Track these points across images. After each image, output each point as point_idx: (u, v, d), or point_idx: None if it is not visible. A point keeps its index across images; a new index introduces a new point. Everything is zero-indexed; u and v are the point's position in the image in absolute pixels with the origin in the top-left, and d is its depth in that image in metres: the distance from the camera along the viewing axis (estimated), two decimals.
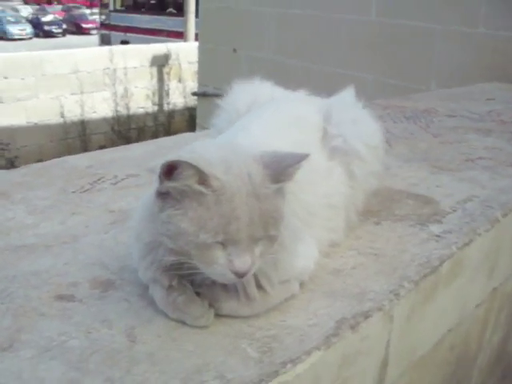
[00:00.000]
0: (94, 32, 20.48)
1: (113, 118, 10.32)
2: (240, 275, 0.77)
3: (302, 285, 0.96)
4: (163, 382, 0.72)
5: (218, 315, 0.86)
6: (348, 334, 0.87)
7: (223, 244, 0.77)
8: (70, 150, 9.29)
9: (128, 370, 0.74)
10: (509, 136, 2.17)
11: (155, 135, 9.68)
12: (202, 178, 0.75)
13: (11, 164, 7.68)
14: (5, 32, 20.79)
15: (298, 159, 0.80)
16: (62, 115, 9.88)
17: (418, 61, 4.24)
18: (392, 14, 4.37)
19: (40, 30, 22.44)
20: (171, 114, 10.90)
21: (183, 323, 0.84)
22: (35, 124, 9.61)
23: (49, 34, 22.53)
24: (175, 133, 9.97)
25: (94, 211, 1.26)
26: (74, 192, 1.37)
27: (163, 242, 0.79)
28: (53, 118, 9.78)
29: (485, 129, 2.28)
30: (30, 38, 21.50)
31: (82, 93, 10.03)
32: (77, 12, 25.51)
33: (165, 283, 0.85)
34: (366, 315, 0.92)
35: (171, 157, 0.75)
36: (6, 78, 9.24)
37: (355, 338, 0.89)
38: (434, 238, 1.20)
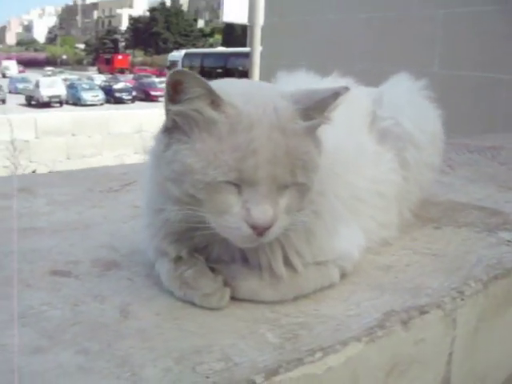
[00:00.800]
0: (162, 99, 21.39)
1: None
2: (259, 230, 0.61)
3: (342, 275, 0.79)
4: (149, 359, 0.57)
5: (235, 299, 0.70)
6: (397, 329, 0.69)
7: (238, 187, 0.62)
8: None
9: (109, 343, 0.59)
10: None
11: None
12: (214, 100, 0.62)
13: None
14: (79, 98, 22.07)
15: (335, 92, 0.65)
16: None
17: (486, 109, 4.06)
18: (454, 66, 4.25)
19: (111, 97, 23.69)
20: None
21: (191, 304, 0.69)
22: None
23: (119, 101, 23.73)
24: None
25: (118, 206, 1.14)
26: (101, 191, 1.26)
27: (168, 190, 0.65)
28: None
29: None
30: (102, 104, 22.71)
31: (145, 152, 10.32)
32: (146, 80, 26.90)
33: (172, 254, 0.71)
34: (422, 310, 0.73)
35: (177, 70, 0.62)
36: (73, 135, 9.68)
37: (407, 337, 0.70)
38: (504, 243, 1.01)
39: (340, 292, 0.77)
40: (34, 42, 56.39)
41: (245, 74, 13.95)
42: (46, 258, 0.82)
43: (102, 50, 42.81)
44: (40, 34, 60.07)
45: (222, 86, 0.66)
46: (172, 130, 0.65)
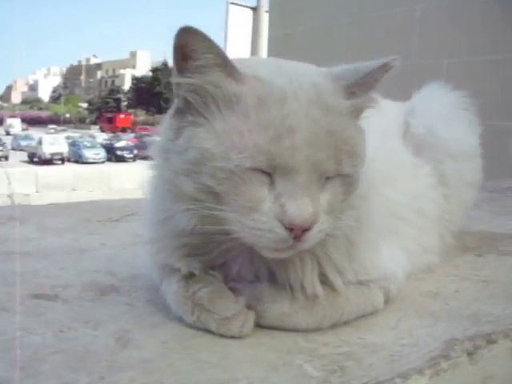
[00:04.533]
0: None
1: None
2: (297, 232, 0.48)
3: (387, 299, 0.65)
4: None
5: (259, 326, 0.57)
6: (464, 360, 0.55)
7: (270, 176, 0.49)
8: None
9: (102, 376, 0.45)
10: None
11: None
12: (232, 70, 0.50)
13: None
14: (80, 156, 22.19)
15: (384, 63, 0.54)
16: None
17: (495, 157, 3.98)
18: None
19: (112, 155, 23.82)
20: None
21: (206, 331, 0.55)
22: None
23: (120, 159, 23.84)
24: None
25: (117, 234, 1.02)
26: (99, 221, 1.14)
27: (180, 187, 0.52)
28: None
29: None
30: (103, 162, 22.82)
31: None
32: (148, 139, 27.18)
33: (183, 270, 0.57)
34: (489, 339, 0.59)
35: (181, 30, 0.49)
36: (74, 189, 9.59)
37: (475, 370, 0.56)
38: None
39: (385, 319, 0.63)
40: (38, 100, 57.38)
41: None
42: (30, 281, 0.69)
43: (105, 109, 43.48)
44: (44, 93, 61.19)
45: (245, 60, 0.55)
46: (184, 111, 0.52)
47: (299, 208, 0.47)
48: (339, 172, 0.51)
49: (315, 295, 0.56)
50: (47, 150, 20.77)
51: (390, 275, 0.65)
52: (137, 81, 45.47)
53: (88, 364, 0.47)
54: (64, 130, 33.99)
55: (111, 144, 25.84)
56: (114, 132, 34.25)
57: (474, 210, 1.54)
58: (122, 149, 25.25)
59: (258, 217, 0.48)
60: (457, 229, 0.92)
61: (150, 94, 43.27)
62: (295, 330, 0.56)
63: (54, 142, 21.67)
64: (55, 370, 0.46)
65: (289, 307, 0.56)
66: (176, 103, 0.53)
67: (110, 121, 38.98)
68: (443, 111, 0.90)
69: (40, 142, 21.00)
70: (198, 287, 0.56)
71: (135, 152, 25.18)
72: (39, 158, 20.57)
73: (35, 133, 26.75)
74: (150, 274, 0.65)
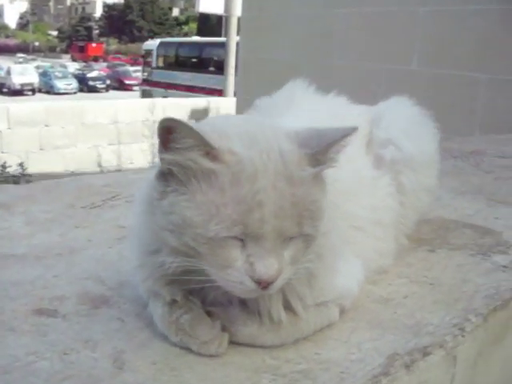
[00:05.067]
0: (136, 88, 21.14)
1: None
2: (263, 284, 0.58)
3: (342, 312, 0.76)
4: None
5: (233, 343, 0.67)
6: (402, 375, 0.66)
7: (242, 240, 0.58)
8: None
9: None
10: None
11: None
12: (209, 149, 0.58)
13: None
14: (52, 86, 21.62)
15: (344, 133, 0.62)
16: (99, 164, 9.97)
17: (462, 110, 4.08)
18: (433, 64, 4.26)
19: (85, 85, 23.27)
20: None
21: (188, 350, 0.65)
22: (72, 172, 9.72)
23: (93, 89, 23.33)
24: None
25: (101, 226, 1.10)
26: (83, 207, 1.21)
27: (165, 239, 0.61)
28: (89, 167, 9.88)
29: None
30: (75, 93, 22.29)
31: (119, 143, 10.17)
32: (121, 69, 26.48)
33: (167, 298, 0.67)
34: (425, 352, 0.71)
35: (167, 119, 0.58)
36: (46, 125, 9.46)
37: (410, 380, 0.68)
38: (500, 269, 0.99)
39: (340, 331, 0.74)
40: (4, 27, 54.98)
41: (220, 63, 13.86)
42: (30, 293, 0.78)
43: (76, 38, 41.95)
44: (11, 20, 58.53)
45: (220, 126, 0.62)
46: (167, 178, 0.60)
47: (266, 267, 0.57)
48: (301, 233, 0.59)
49: (280, 320, 0.66)
50: (17, 80, 20.15)
51: (345, 292, 0.75)
52: (108, 8, 43.60)
53: None
54: (34, 60, 32.76)
55: (83, 74, 25.12)
56: (85, 61, 33.19)
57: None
58: (94, 79, 24.61)
59: (232, 272, 0.58)
60: (411, 231, 1.03)
61: (123, 22, 41.66)
62: (263, 347, 0.67)
63: (23, 72, 20.98)
64: None
65: (257, 330, 0.67)
66: (160, 167, 0.61)
67: (82, 50, 37.67)
68: (405, 125, 0.98)
69: (9, 72, 20.32)
70: (180, 313, 0.66)
71: (107, 82, 24.61)
72: (8, 88, 19.97)
73: (3, 62, 25.78)
74: (138, 291, 0.73)
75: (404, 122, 0.99)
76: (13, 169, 7.25)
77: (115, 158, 10.18)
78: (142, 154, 10.37)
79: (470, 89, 4.10)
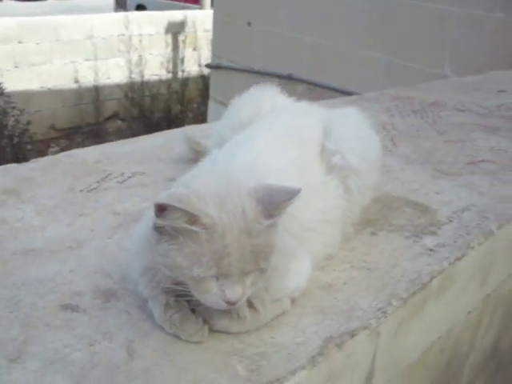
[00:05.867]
0: None
1: (126, 85, 10.27)
2: (231, 304, 0.83)
3: (292, 301, 1.01)
4: None
5: (211, 330, 0.92)
6: (334, 353, 0.92)
7: (216, 277, 0.82)
8: (82, 116, 9.36)
9: None
10: None
11: (168, 103, 9.70)
12: (192, 217, 0.79)
13: (24, 132, 7.72)
14: None
15: (290, 195, 0.84)
16: (76, 81, 9.86)
17: (433, 44, 4.20)
18: None
19: None
20: (185, 82, 10.83)
21: (179, 338, 0.90)
22: (49, 89, 9.63)
23: None
24: (189, 101, 9.89)
25: (100, 213, 1.31)
26: (81, 191, 1.41)
27: (161, 269, 0.85)
28: (66, 84, 9.77)
29: (492, 126, 2.28)
30: None
31: (96, 59, 10.01)
32: None
33: (162, 301, 0.91)
34: (353, 334, 0.96)
35: (160, 197, 0.79)
36: (20, 42, 9.23)
37: (341, 355, 0.94)
38: (426, 253, 1.24)
39: (291, 317, 0.99)
40: None
41: None
42: (53, 289, 1.00)
43: None
44: None
45: (198, 188, 0.83)
46: (161, 230, 0.82)
47: (233, 293, 0.82)
48: (258, 268, 0.83)
49: (245, 316, 0.91)
50: None
51: (296, 288, 1.00)
52: None
53: (114, 376, 0.81)
54: None
55: None
56: None
57: (390, 154, 1.87)
58: None
59: (210, 296, 0.83)
60: (356, 220, 1.26)
61: None
62: (232, 334, 0.92)
63: None
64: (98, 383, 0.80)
65: (229, 322, 0.92)
66: (154, 222, 0.82)
67: None
68: (352, 138, 1.19)
69: None
70: (172, 312, 0.90)
71: None
72: None
73: None
74: (140, 290, 0.96)
75: (351, 136, 1.19)
76: None
77: (92, 73, 10.05)
78: (119, 69, 10.25)
79: (442, 23, 4.20)
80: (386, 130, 2.12)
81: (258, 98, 1.32)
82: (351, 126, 1.23)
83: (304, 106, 1.33)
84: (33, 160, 1.59)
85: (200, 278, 0.81)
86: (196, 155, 1.64)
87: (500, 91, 2.97)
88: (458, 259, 1.24)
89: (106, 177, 1.51)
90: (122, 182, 1.49)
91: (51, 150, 8.08)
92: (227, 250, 0.80)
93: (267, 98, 1.33)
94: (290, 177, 1.04)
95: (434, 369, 1.45)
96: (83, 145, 7.75)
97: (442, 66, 4.16)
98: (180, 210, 0.78)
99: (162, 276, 0.87)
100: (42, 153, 7.42)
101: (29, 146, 7.70)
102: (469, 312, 1.48)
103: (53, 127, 9.25)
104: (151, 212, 0.89)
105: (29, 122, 8.84)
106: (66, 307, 0.96)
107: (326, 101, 2.50)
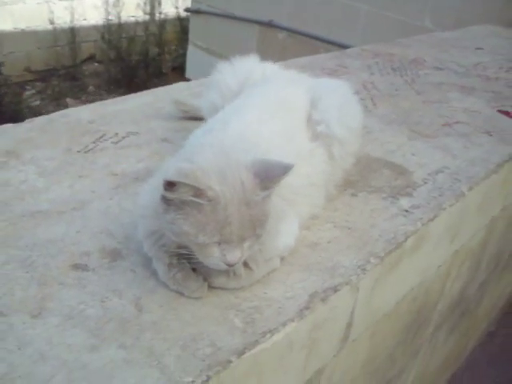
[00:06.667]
0: None
1: (103, 27, 9.98)
2: (231, 265, 0.93)
3: (282, 260, 1.12)
4: (166, 348, 0.89)
5: (210, 287, 1.02)
6: (319, 306, 1.04)
7: (218, 243, 0.92)
8: (58, 58, 9.12)
9: (137, 337, 0.91)
10: (490, 96, 2.28)
11: (146, 45, 9.49)
12: (198, 191, 0.88)
13: None
14: None
15: (284, 170, 0.93)
16: (51, 21, 9.56)
17: None
18: None
19: None
20: (163, 24, 10.56)
21: (182, 294, 1.01)
22: (22, 30, 9.33)
23: None
24: (166, 44, 9.69)
25: (98, 174, 1.38)
26: (78, 152, 1.48)
27: (168, 234, 0.94)
28: (41, 25, 9.46)
29: (468, 86, 2.38)
30: None
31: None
32: None
33: (166, 261, 1.01)
34: (336, 289, 1.08)
35: (171, 174, 0.87)
36: None
37: (325, 308, 1.06)
38: (402, 213, 1.36)
39: (280, 274, 1.10)
40: None
41: None
42: (63, 249, 1.09)
43: None
44: None
45: (201, 163, 0.91)
46: (169, 201, 0.91)
47: (233, 255, 0.92)
48: (255, 234, 0.92)
49: (240, 274, 1.02)
50: None
51: (285, 247, 1.11)
52: None
53: (127, 329, 0.91)
54: None
55: None
56: None
57: (370, 114, 1.96)
58: None
59: (212, 259, 0.93)
60: (339, 183, 1.36)
61: None
62: (229, 290, 1.03)
63: None
64: (113, 336, 0.89)
65: (226, 279, 1.02)
66: (162, 195, 0.90)
67: None
68: (337, 109, 1.28)
69: None
70: (176, 271, 1.00)
71: None
72: None
73: None
74: (144, 250, 1.06)
75: (336, 107, 1.28)
76: None
77: (68, 14, 9.74)
78: (96, 10, 9.94)
79: None
80: (367, 90, 2.20)
81: (248, 66, 1.38)
82: (337, 99, 1.31)
83: (293, 75, 1.40)
84: (28, 120, 1.63)
85: (204, 244, 0.91)
86: (185, 114, 1.72)
87: (477, 48, 3.05)
88: (431, 220, 1.36)
89: (101, 137, 1.57)
90: (117, 142, 1.55)
91: (27, 92, 7.92)
92: (229, 219, 0.89)
93: (257, 66, 1.39)
94: (280, 144, 1.13)
95: (406, 316, 1.60)
96: (59, 87, 7.64)
97: (423, 18, 4.19)
98: (187, 185, 0.87)
99: (166, 240, 0.96)
100: (17, 95, 7.30)
101: (4, 89, 7.54)
102: (439, 266, 1.62)
103: (28, 69, 9.01)
104: (155, 181, 0.98)
105: (2, 64, 8.62)
106: (76, 267, 1.05)
107: (312, 56, 2.56)
